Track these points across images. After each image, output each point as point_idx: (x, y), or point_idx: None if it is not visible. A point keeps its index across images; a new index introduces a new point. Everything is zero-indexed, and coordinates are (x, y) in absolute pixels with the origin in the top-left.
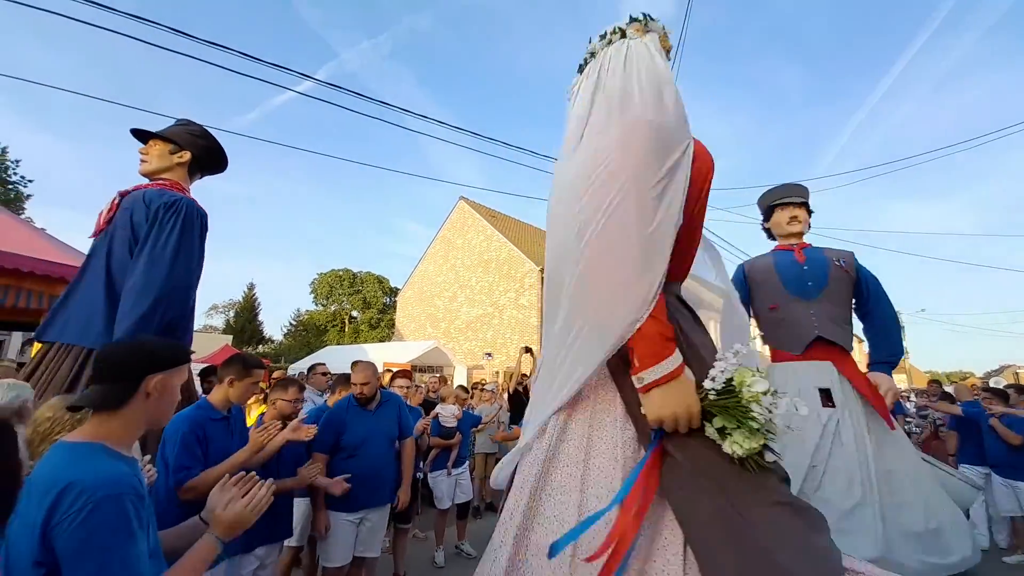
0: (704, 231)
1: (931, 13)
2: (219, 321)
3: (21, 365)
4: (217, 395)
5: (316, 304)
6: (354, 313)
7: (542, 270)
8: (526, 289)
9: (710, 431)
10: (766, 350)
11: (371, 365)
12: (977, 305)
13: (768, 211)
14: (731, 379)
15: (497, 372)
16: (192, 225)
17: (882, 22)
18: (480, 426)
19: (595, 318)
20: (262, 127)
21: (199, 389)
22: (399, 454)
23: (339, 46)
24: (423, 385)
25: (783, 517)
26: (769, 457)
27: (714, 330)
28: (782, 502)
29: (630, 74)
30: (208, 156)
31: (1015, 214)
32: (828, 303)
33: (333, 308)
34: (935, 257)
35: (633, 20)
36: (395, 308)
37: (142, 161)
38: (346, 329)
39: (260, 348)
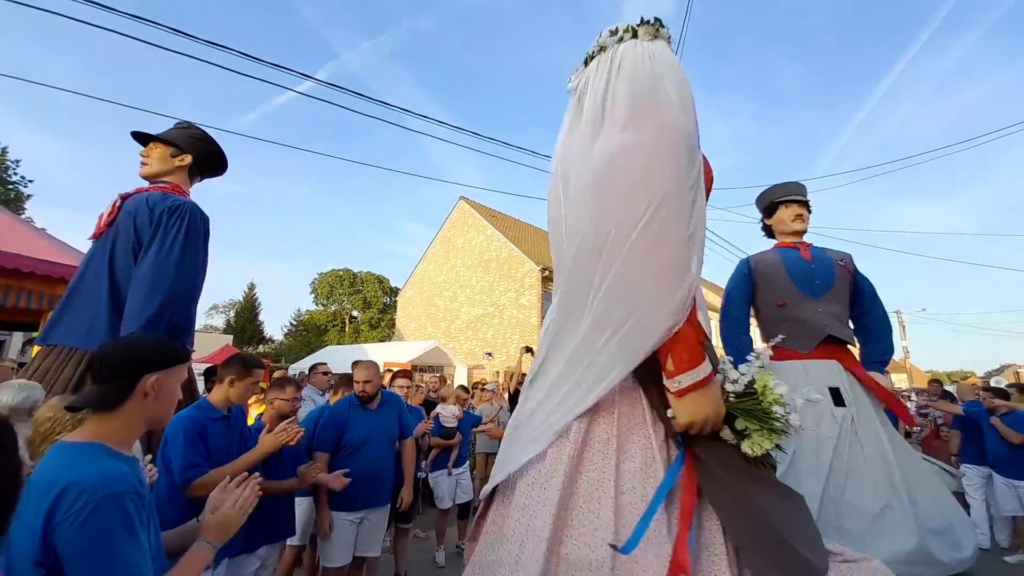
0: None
1: (931, 13)
2: (220, 321)
3: (22, 365)
4: (217, 395)
5: (316, 304)
6: (354, 313)
7: (543, 270)
8: (526, 289)
9: (726, 432)
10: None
11: (373, 364)
12: (978, 305)
13: (771, 207)
14: (752, 382)
15: (497, 372)
16: (196, 229)
17: (882, 23)
18: (481, 426)
19: (637, 320)
20: (263, 127)
21: (203, 389)
22: (399, 454)
23: (339, 46)
24: (423, 385)
25: (789, 507)
26: (776, 454)
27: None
28: (785, 494)
29: (659, 76)
30: (208, 159)
31: (1015, 214)
32: (834, 302)
33: (333, 308)
34: (936, 256)
35: (644, 23)
36: (395, 308)
37: (142, 164)
38: (346, 329)
39: (260, 348)
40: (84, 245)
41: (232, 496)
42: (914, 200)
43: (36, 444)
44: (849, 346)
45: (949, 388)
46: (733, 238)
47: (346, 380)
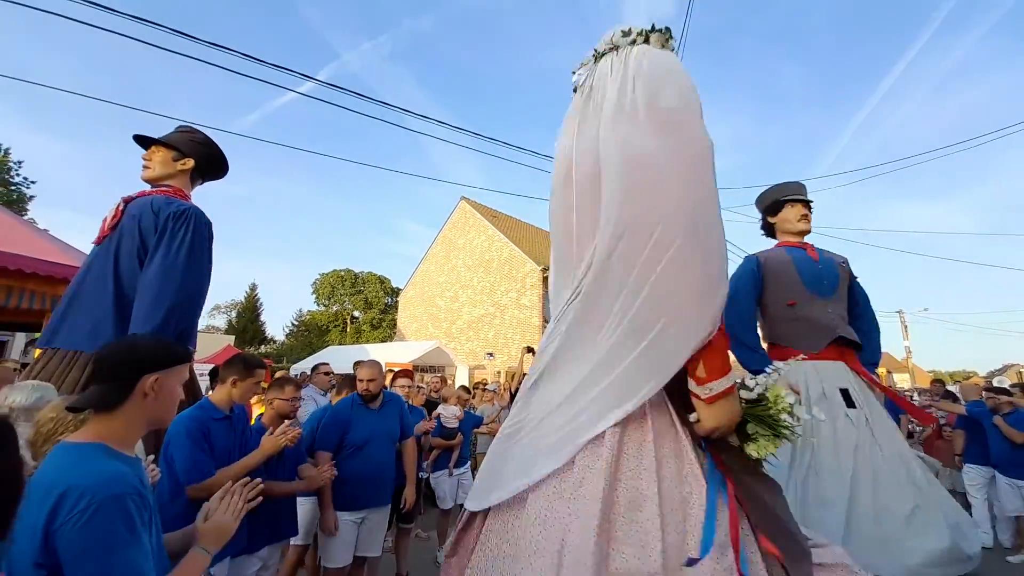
0: None
1: (931, 14)
2: (221, 321)
3: (24, 366)
4: (218, 395)
5: (318, 304)
6: (356, 313)
7: (544, 270)
8: (527, 289)
9: (732, 436)
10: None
11: (377, 363)
12: (980, 304)
13: (776, 205)
14: (764, 391)
15: (499, 372)
16: (201, 235)
17: (883, 23)
18: (482, 427)
19: (679, 327)
20: (263, 128)
21: (208, 390)
22: (399, 454)
23: (340, 47)
24: (425, 386)
25: (778, 495)
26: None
27: None
28: (772, 485)
29: (683, 87)
30: (210, 164)
31: (1015, 214)
32: (839, 303)
33: (335, 308)
34: (937, 256)
35: (655, 30)
36: (397, 308)
37: (144, 167)
38: (348, 329)
39: (262, 348)
40: (86, 246)
41: (225, 503)
42: (914, 200)
43: (38, 444)
44: (859, 347)
45: (951, 388)
46: (733, 237)
47: (348, 381)
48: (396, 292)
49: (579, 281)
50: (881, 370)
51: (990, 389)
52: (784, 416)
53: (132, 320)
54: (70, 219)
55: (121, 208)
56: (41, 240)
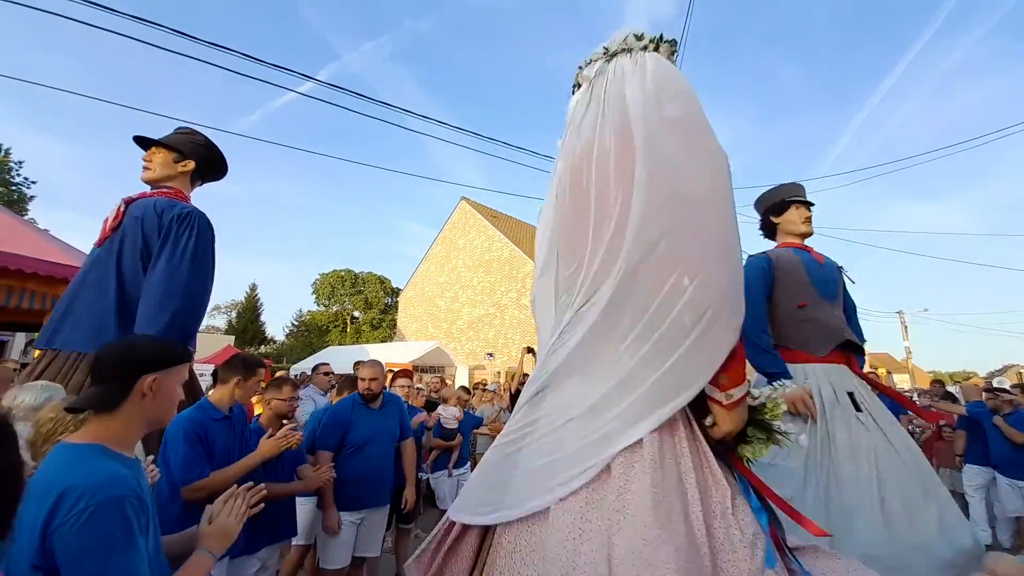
0: None
1: (932, 14)
2: (221, 321)
3: (24, 366)
4: (218, 395)
5: (318, 304)
6: (356, 313)
7: None
8: (528, 289)
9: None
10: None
11: (379, 363)
12: (980, 305)
13: (781, 205)
14: (766, 400)
15: (499, 372)
16: (205, 238)
17: (883, 23)
18: (481, 427)
19: (716, 333)
20: (264, 128)
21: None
22: (398, 453)
23: (340, 47)
24: (424, 386)
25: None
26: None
27: None
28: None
29: (696, 99)
30: (210, 165)
31: (1015, 214)
32: (841, 307)
33: (335, 308)
34: (938, 256)
35: (664, 41)
36: (397, 308)
37: (145, 168)
38: (348, 329)
39: (262, 348)
40: (86, 246)
41: (228, 506)
42: (915, 200)
43: (38, 445)
44: (862, 351)
45: (951, 389)
46: None
47: (348, 381)
48: (396, 292)
49: (593, 286)
50: (881, 370)
51: (992, 390)
52: (775, 423)
53: (136, 323)
54: (70, 219)
55: (122, 209)
56: (41, 240)
